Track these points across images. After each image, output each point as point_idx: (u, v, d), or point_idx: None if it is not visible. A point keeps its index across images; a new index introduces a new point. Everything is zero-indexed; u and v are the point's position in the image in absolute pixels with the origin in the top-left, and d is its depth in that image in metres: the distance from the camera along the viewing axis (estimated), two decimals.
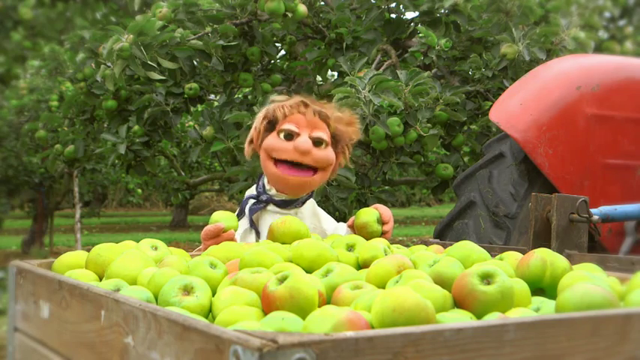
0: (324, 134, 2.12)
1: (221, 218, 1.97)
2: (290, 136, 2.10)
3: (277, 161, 2.13)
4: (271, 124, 2.15)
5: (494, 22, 4.26)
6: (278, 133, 2.12)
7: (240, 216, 2.20)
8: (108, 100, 4.95)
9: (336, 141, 2.18)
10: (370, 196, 3.92)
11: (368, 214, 2.03)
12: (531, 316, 1.08)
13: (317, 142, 2.11)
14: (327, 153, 2.14)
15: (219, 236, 1.92)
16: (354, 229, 2.05)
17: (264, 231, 2.12)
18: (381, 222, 2.04)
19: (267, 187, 2.19)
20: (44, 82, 8.27)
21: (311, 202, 2.25)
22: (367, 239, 1.89)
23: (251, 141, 2.21)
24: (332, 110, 2.20)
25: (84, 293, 1.26)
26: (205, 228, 1.94)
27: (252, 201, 2.19)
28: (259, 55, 4.55)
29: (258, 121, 2.19)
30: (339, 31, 4.44)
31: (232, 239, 1.93)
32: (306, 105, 2.14)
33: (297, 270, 1.37)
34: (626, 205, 2.59)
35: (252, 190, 2.25)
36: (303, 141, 2.08)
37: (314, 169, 2.14)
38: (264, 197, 2.17)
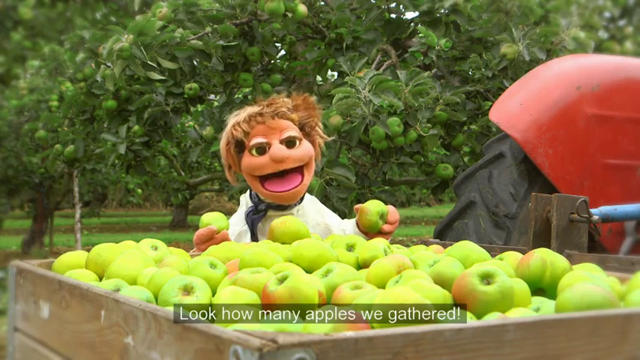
0: (293, 132, 2.10)
1: (211, 220, 1.96)
2: (262, 149, 2.08)
3: (261, 178, 2.12)
4: (240, 146, 2.13)
5: (494, 22, 4.26)
6: (250, 151, 2.10)
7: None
8: (108, 100, 4.95)
9: (305, 130, 2.16)
10: (370, 196, 3.91)
11: (375, 205, 2.04)
12: (531, 316, 1.08)
13: (290, 143, 2.09)
14: (304, 148, 2.12)
15: (213, 239, 1.92)
16: (358, 211, 2.06)
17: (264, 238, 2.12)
18: (385, 219, 2.04)
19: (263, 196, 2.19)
20: (44, 82, 8.28)
21: (312, 198, 2.25)
22: (364, 225, 1.90)
23: (229, 166, 2.20)
24: (286, 103, 2.15)
25: (84, 293, 1.26)
26: (197, 232, 1.93)
27: (251, 212, 2.18)
28: (259, 55, 4.55)
29: (224, 149, 2.16)
30: (339, 31, 4.44)
31: (226, 239, 1.92)
32: (260, 114, 2.10)
33: (297, 270, 1.37)
34: (626, 205, 2.58)
35: (246, 197, 2.24)
36: (277, 149, 2.06)
37: (300, 172, 2.12)
38: (262, 206, 2.17)
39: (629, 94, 3.03)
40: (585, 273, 1.35)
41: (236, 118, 2.14)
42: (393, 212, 2.06)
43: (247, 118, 2.10)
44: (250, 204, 2.20)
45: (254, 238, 2.16)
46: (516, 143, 2.95)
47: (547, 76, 3.07)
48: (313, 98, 2.23)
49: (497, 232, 2.92)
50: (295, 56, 5.05)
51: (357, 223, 2.09)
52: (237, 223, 2.20)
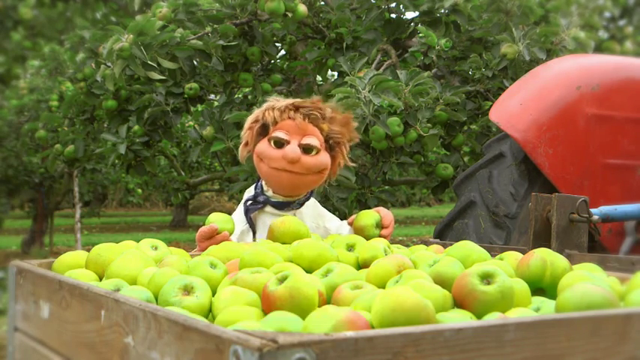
0: (314, 140, 2.09)
1: (217, 220, 1.97)
2: (280, 143, 2.08)
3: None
4: (264, 128, 2.13)
5: (494, 22, 4.26)
6: (269, 140, 2.10)
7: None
8: (108, 100, 4.95)
9: (331, 144, 2.14)
10: (370, 196, 3.91)
11: (368, 218, 2.02)
12: (531, 316, 1.08)
13: (307, 149, 2.08)
14: (318, 159, 2.10)
15: (213, 237, 1.92)
16: (353, 229, 2.06)
17: (260, 231, 2.13)
18: (381, 226, 2.03)
19: (265, 188, 2.19)
20: (44, 82, 8.28)
21: (312, 203, 2.25)
22: None
23: (246, 143, 2.19)
24: (325, 110, 2.14)
25: (84, 293, 1.26)
26: (200, 229, 1.94)
27: (249, 202, 2.19)
28: (259, 55, 4.55)
29: (249, 124, 2.16)
30: (339, 31, 4.44)
31: (226, 240, 1.93)
32: (296, 109, 2.10)
33: (297, 270, 1.37)
34: (626, 205, 2.58)
35: (250, 191, 2.25)
36: (291, 149, 2.06)
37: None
38: (261, 198, 2.17)
39: (629, 94, 3.03)
40: (585, 273, 1.36)
41: (275, 102, 2.15)
42: (385, 215, 2.05)
43: (283, 108, 2.11)
44: (252, 193, 2.20)
45: (249, 223, 2.16)
46: (516, 143, 2.95)
47: (547, 76, 3.08)
48: (355, 123, 2.22)
49: (497, 232, 2.92)
50: (295, 56, 5.05)
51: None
52: (238, 221, 2.20)
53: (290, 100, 2.15)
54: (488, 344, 0.93)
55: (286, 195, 2.17)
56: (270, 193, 2.17)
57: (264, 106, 2.17)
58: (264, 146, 2.11)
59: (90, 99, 5.22)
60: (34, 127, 6.86)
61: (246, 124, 2.19)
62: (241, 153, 2.23)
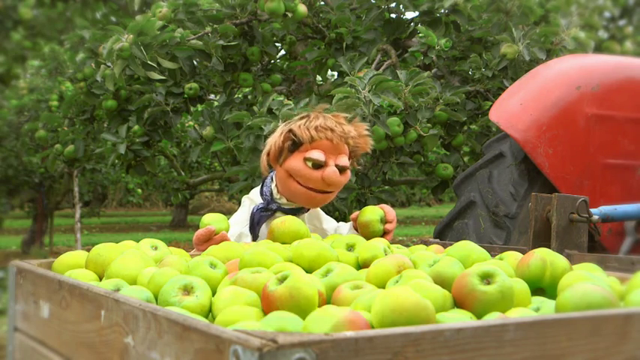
0: (346, 159, 2.11)
1: (211, 221, 1.96)
2: (318, 165, 2.06)
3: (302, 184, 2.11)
4: (295, 145, 2.10)
5: (494, 22, 4.26)
6: (305, 161, 2.07)
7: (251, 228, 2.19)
8: (108, 100, 4.95)
9: (351, 156, 2.17)
10: (370, 196, 3.91)
11: (372, 213, 2.04)
12: (531, 316, 1.08)
13: (341, 169, 2.09)
14: (347, 176, 2.13)
15: (211, 239, 1.92)
16: (356, 224, 2.06)
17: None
18: (384, 221, 2.04)
19: (277, 196, 2.17)
20: (44, 82, 8.28)
21: None
22: (368, 238, 1.90)
23: (268, 153, 2.15)
24: (347, 126, 2.14)
25: (84, 293, 1.26)
26: (197, 232, 1.93)
27: (260, 210, 2.18)
28: (259, 55, 4.55)
29: (278, 137, 2.12)
30: (339, 31, 4.44)
31: (225, 240, 1.92)
32: (332, 130, 2.08)
33: (297, 270, 1.37)
34: (626, 205, 2.59)
35: (254, 195, 2.23)
36: (332, 172, 2.06)
37: None
38: (273, 206, 2.16)
39: (629, 94, 3.03)
40: (585, 273, 1.36)
41: (307, 119, 2.11)
42: (389, 211, 2.07)
43: (320, 127, 2.08)
44: (259, 201, 2.19)
45: (254, 235, 2.15)
46: (516, 143, 2.95)
47: (547, 76, 3.08)
48: (367, 133, 2.22)
49: (497, 232, 2.92)
50: (295, 56, 5.05)
51: (355, 229, 2.10)
52: (237, 223, 2.19)
53: (321, 118, 2.11)
54: (488, 344, 0.93)
55: (309, 206, 2.18)
56: (283, 200, 2.16)
57: (297, 122, 2.12)
58: (298, 165, 2.07)
59: (90, 99, 5.22)
60: (34, 127, 6.86)
61: (278, 136, 2.13)
62: (263, 163, 2.19)
